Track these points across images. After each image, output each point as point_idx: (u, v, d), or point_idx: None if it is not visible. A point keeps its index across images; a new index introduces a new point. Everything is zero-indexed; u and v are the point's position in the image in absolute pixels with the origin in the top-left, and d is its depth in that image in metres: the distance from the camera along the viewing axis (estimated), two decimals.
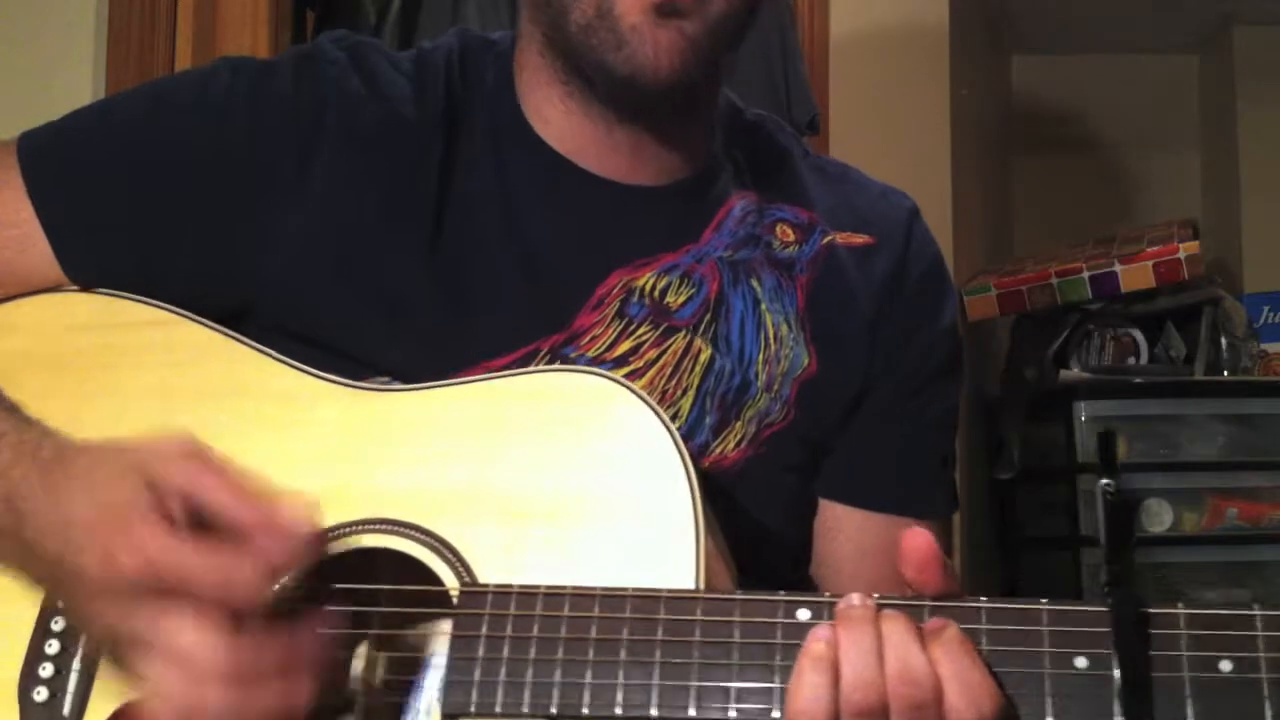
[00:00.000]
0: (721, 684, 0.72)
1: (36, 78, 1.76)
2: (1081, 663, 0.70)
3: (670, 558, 0.77)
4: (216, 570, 0.72)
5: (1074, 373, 2.91)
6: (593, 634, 0.74)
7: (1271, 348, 3.13)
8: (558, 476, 0.80)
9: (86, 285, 0.96)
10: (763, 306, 1.00)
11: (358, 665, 0.84)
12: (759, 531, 0.98)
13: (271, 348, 0.92)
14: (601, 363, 0.94)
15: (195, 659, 0.72)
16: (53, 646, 0.84)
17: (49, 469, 0.80)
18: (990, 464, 3.01)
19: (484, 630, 0.75)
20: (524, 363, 0.93)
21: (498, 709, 0.74)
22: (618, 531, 0.78)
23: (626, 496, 0.79)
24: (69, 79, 1.77)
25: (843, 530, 1.03)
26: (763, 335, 0.99)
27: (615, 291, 0.97)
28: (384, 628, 0.83)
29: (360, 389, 0.87)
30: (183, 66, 1.88)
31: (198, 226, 0.96)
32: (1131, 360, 2.95)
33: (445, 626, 0.79)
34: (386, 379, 0.90)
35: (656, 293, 0.98)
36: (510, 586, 0.76)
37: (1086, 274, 2.84)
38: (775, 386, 0.99)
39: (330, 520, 0.81)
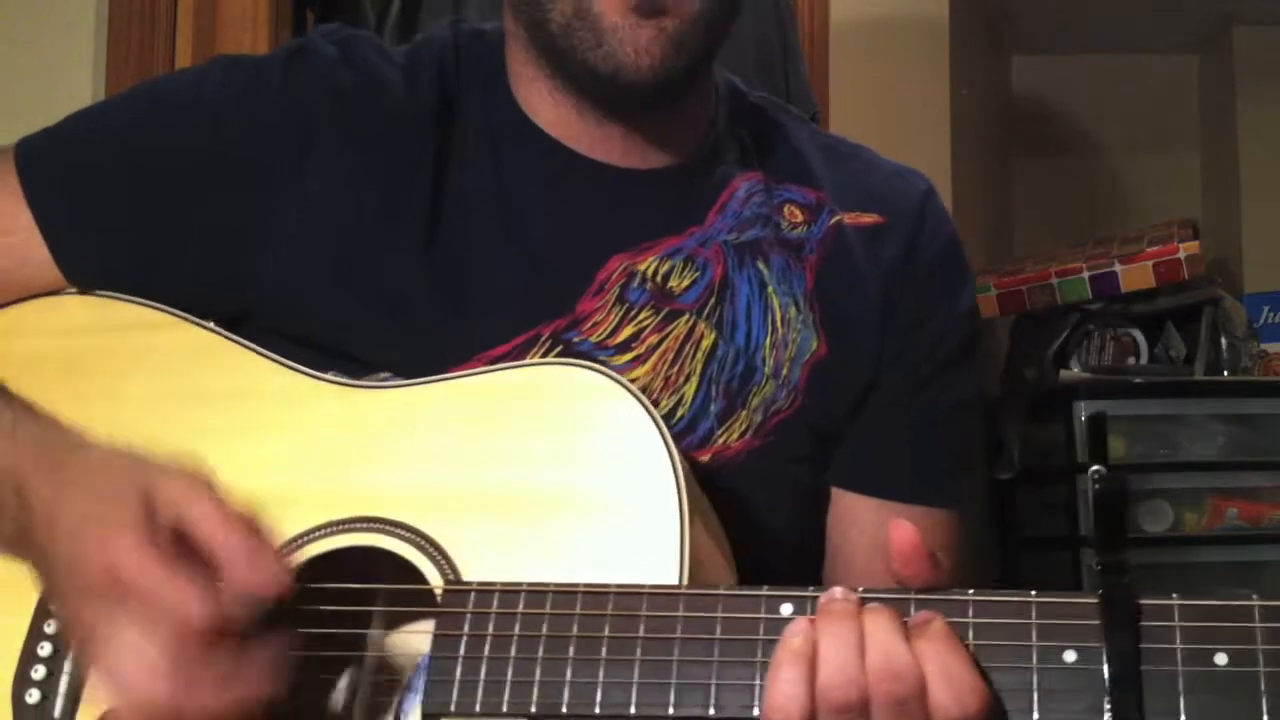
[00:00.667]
0: (701, 681, 0.71)
1: (36, 78, 1.76)
2: (1070, 656, 0.68)
3: (655, 555, 0.76)
4: (174, 594, 0.72)
5: (1074, 373, 2.91)
6: (574, 631, 0.73)
7: (1271, 348, 3.13)
8: (545, 473, 0.79)
9: (87, 288, 0.96)
10: (769, 289, 0.98)
11: (348, 667, 0.84)
12: (764, 525, 0.96)
13: (271, 349, 0.91)
14: (604, 349, 0.94)
15: (132, 667, 0.72)
16: (45, 649, 0.85)
17: (58, 461, 0.81)
18: (990, 464, 3.00)
19: (466, 629, 0.75)
20: (524, 349, 0.92)
21: (478, 708, 0.73)
22: (604, 528, 0.77)
23: (613, 493, 0.78)
24: (69, 79, 1.77)
25: (856, 522, 1.01)
26: (770, 319, 0.97)
27: (615, 276, 0.96)
28: (371, 628, 0.82)
29: (353, 387, 0.87)
30: (182, 66, 1.88)
31: (198, 228, 0.96)
32: (1131, 360, 2.95)
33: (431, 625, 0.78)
34: (386, 375, 0.90)
35: (659, 277, 0.96)
36: (493, 584, 0.76)
37: (1086, 274, 2.84)
38: (783, 372, 0.97)
39: (321, 519, 0.81)
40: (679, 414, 0.94)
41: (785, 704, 0.69)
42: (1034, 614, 0.69)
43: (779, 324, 0.97)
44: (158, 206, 0.97)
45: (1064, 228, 3.39)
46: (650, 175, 1.00)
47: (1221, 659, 0.65)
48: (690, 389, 0.95)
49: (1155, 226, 3.01)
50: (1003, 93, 3.79)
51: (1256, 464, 2.83)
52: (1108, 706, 0.66)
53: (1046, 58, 3.77)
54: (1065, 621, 0.68)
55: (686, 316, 0.96)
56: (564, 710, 0.72)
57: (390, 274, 0.95)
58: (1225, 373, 2.94)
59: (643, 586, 0.74)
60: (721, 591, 0.73)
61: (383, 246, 0.95)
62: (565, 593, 0.74)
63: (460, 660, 0.74)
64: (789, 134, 1.06)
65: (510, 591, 0.75)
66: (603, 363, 0.89)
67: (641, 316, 0.95)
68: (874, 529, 1.00)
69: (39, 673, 0.84)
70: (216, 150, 0.97)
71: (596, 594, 0.74)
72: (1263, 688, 0.64)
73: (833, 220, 1.01)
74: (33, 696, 0.83)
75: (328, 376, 0.88)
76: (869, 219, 1.02)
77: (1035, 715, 0.67)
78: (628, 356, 0.93)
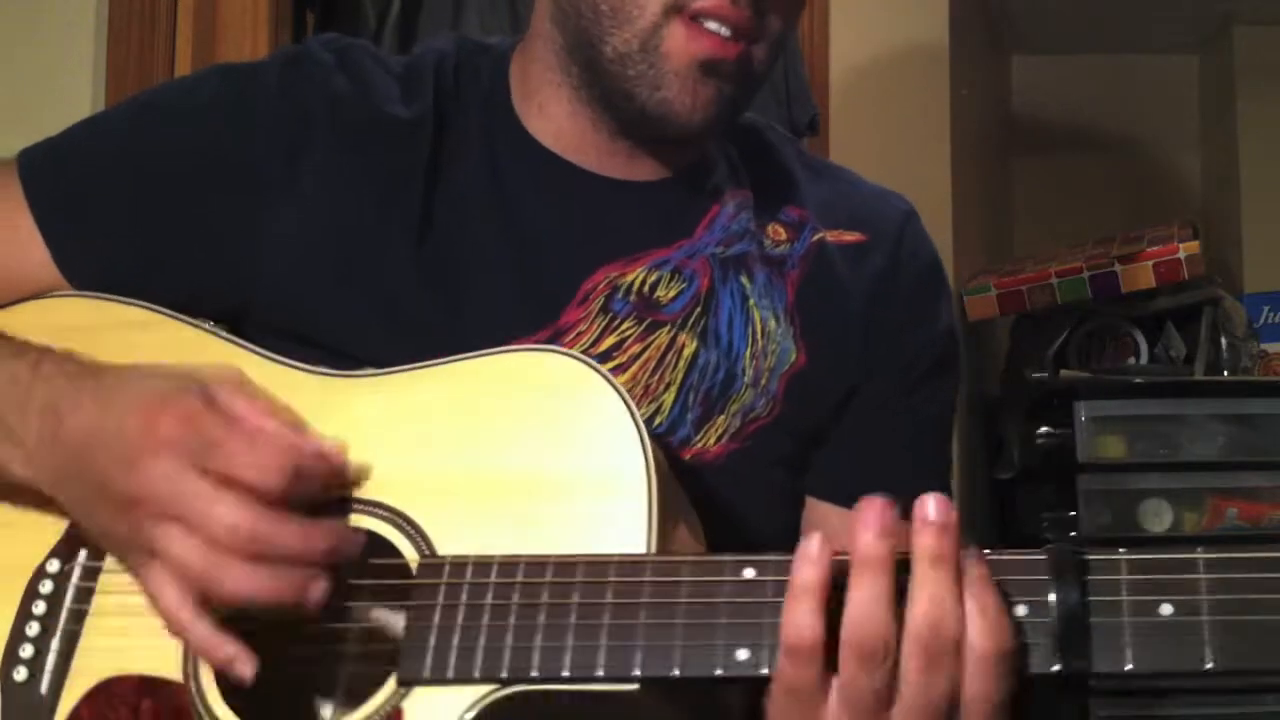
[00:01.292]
0: (665, 643, 0.73)
1: (36, 78, 1.76)
2: (1021, 610, 0.70)
3: (624, 527, 0.78)
4: (252, 447, 0.77)
5: (1074, 373, 2.91)
6: (544, 599, 0.75)
7: (1271, 348, 3.13)
8: (519, 456, 0.82)
9: (85, 289, 0.98)
10: (751, 302, 1.00)
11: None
12: (743, 526, 0.98)
13: (268, 347, 0.93)
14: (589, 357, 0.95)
15: (220, 527, 0.75)
16: (33, 629, 0.87)
17: (96, 374, 0.84)
18: (990, 464, 3.01)
19: (440, 599, 0.77)
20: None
21: (450, 675, 0.75)
22: (575, 505, 0.80)
23: (584, 471, 0.80)
24: (69, 79, 1.77)
25: (828, 530, 1.02)
26: (750, 330, 0.99)
27: (600, 288, 0.98)
28: (354, 602, 0.85)
29: (335, 376, 0.89)
30: (183, 67, 1.88)
31: (195, 230, 0.98)
32: (1131, 360, 2.95)
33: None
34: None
35: (646, 288, 0.98)
36: (466, 557, 0.78)
37: (1086, 274, 2.84)
38: (762, 382, 0.99)
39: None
40: (657, 420, 0.96)
41: (797, 634, 0.70)
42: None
43: (759, 335, 0.99)
44: (156, 210, 0.98)
45: (1064, 228, 3.39)
46: (643, 188, 1.01)
47: (1166, 609, 0.67)
48: (669, 397, 0.97)
49: (1155, 226, 3.01)
50: (1003, 93, 3.79)
51: (1256, 464, 2.83)
52: (1056, 658, 0.68)
53: (1046, 58, 3.77)
54: (1014, 577, 0.70)
55: (668, 327, 0.97)
56: (534, 675, 0.74)
57: (385, 275, 0.96)
58: (1225, 373, 2.94)
59: (611, 556, 0.76)
60: (687, 558, 0.75)
61: (378, 248, 0.97)
62: (536, 563, 0.76)
63: (434, 629, 0.76)
64: (777, 154, 1.08)
65: (483, 563, 0.77)
66: None
67: (624, 327, 0.97)
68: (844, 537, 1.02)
69: (26, 651, 0.86)
70: (213, 154, 0.98)
71: (566, 563, 0.76)
72: (1205, 637, 0.66)
73: (815, 237, 1.03)
74: (20, 674, 0.86)
75: (309, 368, 0.90)
76: (851, 237, 1.04)
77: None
78: (608, 366, 0.94)
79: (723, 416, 0.98)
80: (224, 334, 0.94)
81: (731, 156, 1.06)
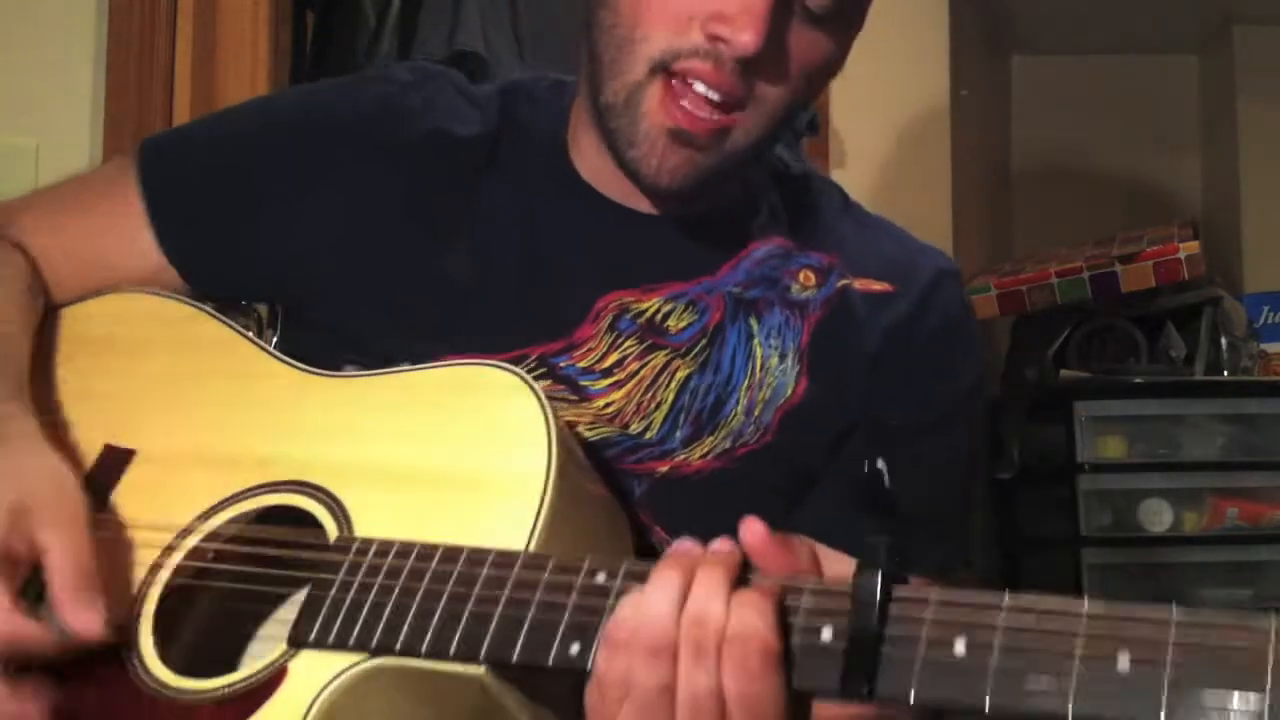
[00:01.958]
0: (512, 632, 0.79)
1: (36, 78, 1.76)
2: (826, 635, 0.73)
3: (513, 524, 0.85)
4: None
5: (1074, 373, 2.91)
6: (424, 583, 0.83)
7: (1271, 348, 3.13)
8: (441, 453, 0.91)
9: (182, 267, 1.09)
10: (755, 341, 1.02)
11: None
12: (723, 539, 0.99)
13: (314, 343, 1.02)
14: (590, 373, 1.01)
15: None
16: None
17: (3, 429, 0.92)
18: (990, 464, 3.01)
19: (340, 574, 0.86)
20: (513, 364, 0.99)
21: (330, 640, 0.83)
22: (478, 499, 0.88)
23: (493, 470, 0.89)
24: (69, 79, 1.77)
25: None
26: (751, 364, 1.02)
27: (610, 308, 1.01)
28: (271, 569, 0.93)
29: (312, 374, 1.00)
30: (182, 67, 1.88)
31: (266, 216, 1.07)
32: (1131, 360, 2.95)
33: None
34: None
35: (659, 316, 1.01)
36: (372, 539, 0.87)
37: (1086, 274, 2.84)
38: (756, 411, 1.01)
39: (260, 479, 0.94)
40: (647, 435, 1.00)
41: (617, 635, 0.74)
42: (804, 596, 0.75)
43: (758, 369, 1.02)
44: (242, 192, 1.08)
45: (1064, 228, 3.39)
46: (673, 223, 1.04)
47: (960, 648, 0.70)
48: (659, 415, 1.00)
49: (1155, 226, 3.01)
50: (1003, 93, 3.79)
51: (1256, 464, 2.83)
52: (838, 677, 0.71)
53: (1046, 58, 3.77)
54: (825, 605, 0.74)
55: (667, 351, 1.01)
56: (397, 648, 0.81)
57: (400, 280, 1.03)
58: (1225, 373, 2.94)
59: (489, 550, 0.83)
60: (553, 558, 0.82)
61: (398, 252, 1.04)
62: (427, 550, 0.85)
63: (329, 599, 0.85)
64: (822, 205, 1.11)
65: (384, 546, 0.86)
66: (587, 385, 1.00)
67: (626, 344, 1.01)
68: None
69: None
70: (293, 155, 1.07)
71: (451, 553, 0.84)
72: (990, 674, 0.68)
73: (840, 283, 1.05)
74: None
75: (299, 365, 1.00)
76: (879, 286, 1.05)
77: (794, 684, 0.73)
78: (609, 381, 1.00)
79: (711, 437, 1.00)
80: (245, 332, 1.05)
81: (774, 203, 1.08)
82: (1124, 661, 0.66)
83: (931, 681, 0.70)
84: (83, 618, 0.84)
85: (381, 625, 0.82)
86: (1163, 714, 0.64)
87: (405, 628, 0.82)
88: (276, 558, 0.91)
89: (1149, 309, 2.95)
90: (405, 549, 0.85)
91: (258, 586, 0.92)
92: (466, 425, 0.91)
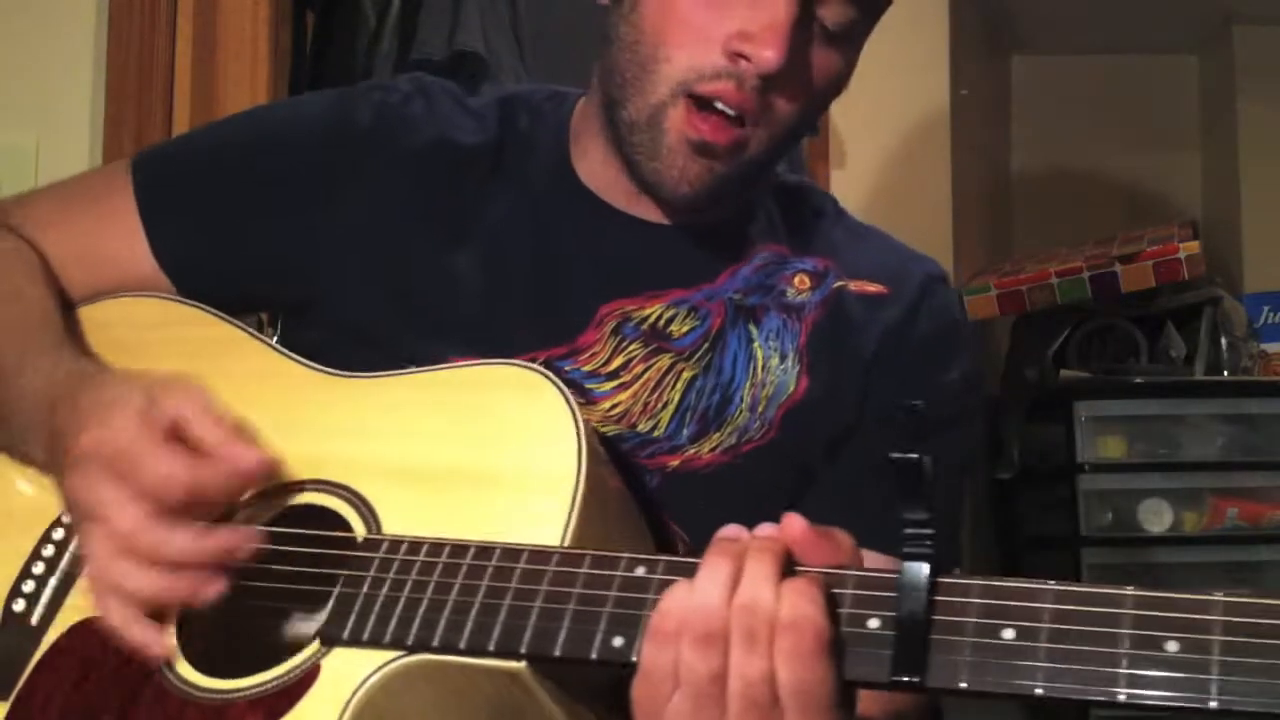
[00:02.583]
0: (553, 625, 0.80)
1: (36, 77, 1.77)
2: (874, 623, 0.73)
3: (545, 521, 0.85)
4: (154, 460, 0.85)
5: (1074, 373, 2.91)
6: (459, 579, 0.83)
7: (1271, 348, 3.13)
8: (468, 451, 0.91)
9: (174, 274, 1.09)
10: (755, 344, 1.05)
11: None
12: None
13: (324, 343, 1.03)
14: (595, 376, 1.03)
15: (120, 531, 0.85)
16: (39, 568, 0.97)
17: (88, 379, 0.94)
18: (990, 464, 3.01)
19: (371, 572, 0.86)
20: None
21: (364, 638, 0.83)
22: (509, 496, 0.88)
23: (519, 468, 0.89)
24: (69, 79, 1.77)
25: None
26: (752, 366, 1.05)
27: (614, 314, 1.04)
28: (300, 566, 0.93)
29: (334, 375, 1.00)
30: (182, 67, 1.88)
31: (266, 227, 1.08)
32: (1131, 360, 2.95)
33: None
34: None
35: (661, 322, 1.04)
36: (403, 537, 0.87)
37: (1086, 274, 2.84)
38: (759, 408, 1.03)
39: (284, 479, 0.94)
40: (655, 433, 1.02)
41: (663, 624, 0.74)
42: (850, 585, 0.76)
43: (760, 370, 1.05)
44: (239, 202, 1.09)
45: (1064, 228, 3.39)
46: (673, 231, 1.07)
47: (1009, 634, 0.71)
48: (666, 415, 1.02)
49: (1155, 226, 3.01)
50: (1003, 93, 3.79)
51: (1256, 464, 2.84)
52: (890, 668, 0.72)
53: (1046, 58, 3.77)
54: (874, 593, 0.74)
55: (671, 355, 1.03)
56: (435, 645, 0.81)
57: (412, 281, 1.05)
58: (1225, 373, 2.95)
59: (524, 545, 0.84)
60: (589, 552, 0.82)
61: (409, 255, 1.06)
62: (460, 547, 0.85)
63: (361, 597, 0.85)
64: (816, 213, 1.14)
65: (416, 544, 0.86)
66: (592, 389, 1.01)
67: (632, 348, 1.03)
68: None
69: (28, 586, 0.97)
70: (294, 161, 1.09)
71: (485, 549, 0.84)
72: (1040, 661, 0.70)
73: (836, 285, 1.08)
74: (19, 605, 0.96)
75: (317, 367, 1.01)
76: (874, 288, 1.08)
77: (845, 674, 0.74)
78: (614, 383, 1.02)
79: (718, 433, 1.03)
80: (258, 335, 1.05)
81: (772, 213, 1.11)
82: (1172, 646, 0.68)
83: (982, 670, 0.70)
84: (245, 453, 0.87)
85: (417, 622, 0.82)
86: (1213, 701, 0.66)
87: (442, 624, 0.82)
88: (296, 555, 0.91)
89: (1149, 309, 2.95)
90: (437, 546, 0.85)
91: (281, 585, 0.92)
92: (491, 423, 0.91)
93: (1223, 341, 2.96)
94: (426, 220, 1.06)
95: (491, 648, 0.80)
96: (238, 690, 0.86)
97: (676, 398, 1.02)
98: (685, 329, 1.04)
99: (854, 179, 2.62)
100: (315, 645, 0.85)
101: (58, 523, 0.98)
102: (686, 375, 1.03)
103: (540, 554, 0.83)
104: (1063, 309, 2.91)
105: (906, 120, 2.74)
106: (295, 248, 1.07)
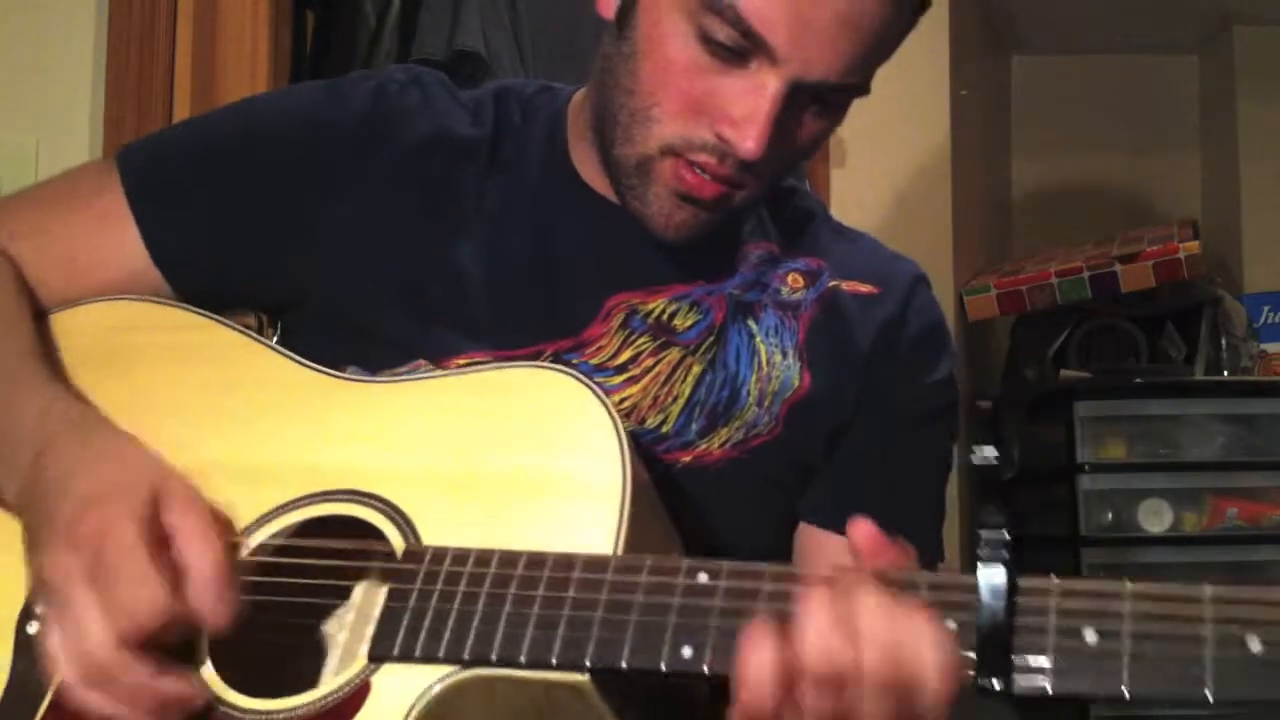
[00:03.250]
0: (616, 636, 0.77)
1: (36, 76, 1.77)
2: (950, 625, 0.73)
3: (595, 529, 0.83)
4: (133, 585, 0.81)
5: (1074, 373, 2.92)
6: (512, 590, 0.80)
7: (1271, 348, 3.13)
8: (505, 458, 0.88)
9: (169, 271, 1.06)
10: (757, 339, 1.06)
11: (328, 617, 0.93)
12: (736, 534, 1.02)
13: (324, 341, 1.01)
14: (603, 369, 1.02)
15: (79, 645, 0.81)
16: None
17: (86, 437, 0.91)
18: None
19: (417, 584, 0.82)
20: (529, 360, 1.01)
21: (417, 654, 0.80)
22: (553, 505, 0.85)
23: (563, 474, 0.86)
24: (69, 78, 1.77)
25: (823, 554, 1.07)
26: (756, 360, 1.05)
27: (620, 308, 1.04)
28: (338, 580, 0.90)
29: (352, 381, 0.97)
30: (182, 67, 1.88)
31: (264, 218, 1.06)
32: (1131, 360, 2.95)
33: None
34: (414, 369, 1.00)
35: (665, 316, 1.05)
36: (447, 548, 0.84)
37: (1086, 274, 2.84)
38: (766, 403, 1.04)
39: (309, 489, 0.90)
40: (663, 429, 1.02)
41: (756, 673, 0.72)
42: (924, 587, 0.75)
43: (764, 364, 1.05)
44: (234, 196, 1.07)
45: (1064, 228, 3.39)
46: None
47: (1091, 636, 0.70)
48: (676, 408, 1.03)
49: (1155, 226, 3.01)
50: (1003, 93, 3.79)
51: (1256, 464, 2.84)
52: (975, 675, 0.71)
53: (1046, 58, 3.77)
54: (950, 596, 0.74)
55: (679, 349, 1.04)
56: (493, 659, 0.79)
57: (416, 275, 1.04)
58: (1225, 373, 2.95)
59: (578, 554, 0.81)
60: (647, 560, 0.80)
61: (413, 249, 1.05)
62: (509, 557, 0.82)
63: (409, 611, 0.81)
64: (806, 215, 1.15)
65: (461, 554, 0.83)
66: (600, 382, 0.97)
67: (640, 342, 1.03)
68: (837, 560, 1.06)
69: (42, 607, 0.91)
70: (288, 153, 1.07)
71: (536, 559, 0.81)
72: (1125, 663, 0.69)
73: (830, 284, 1.10)
74: (33, 627, 0.90)
75: (330, 371, 0.98)
76: (865, 288, 1.10)
77: None
78: (623, 377, 1.02)
79: (726, 429, 1.03)
80: (263, 340, 1.01)
81: (762, 214, 1.12)
82: (1255, 644, 0.68)
83: (1067, 673, 0.70)
84: (219, 608, 0.82)
85: (472, 636, 0.79)
86: None
87: (499, 637, 0.79)
88: (322, 569, 0.88)
89: (1149, 309, 2.95)
90: (484, 556, 0.82)
91: (310, 600, 0.89)
92: (524, 429, 0.88)
93: (1223, 341, 2.96)
94: (426, 213, 1.05)
95: (554, 660, 0.78)
96: (284, 711, 0.83)
97: (687, 392, 1.03)
98: (689, 323, 1.04)
99: (854, 179, 2.62)
100: (363, 662, 0.82)
101: None
102: (696, 370, 1.03)
103: (596, 562, 0.80)
104: (1063, 309, 2.92)
105: (907, 120, 2.74)
106: (292, 242, 1.06)
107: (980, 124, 3.33)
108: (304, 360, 0.99)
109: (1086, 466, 2.81)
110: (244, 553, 0.88)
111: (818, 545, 1.07)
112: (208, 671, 0.85)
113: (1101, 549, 2.82)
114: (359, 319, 1.04)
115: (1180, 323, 2.97)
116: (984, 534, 0.73)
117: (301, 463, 0.91)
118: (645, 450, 1.00)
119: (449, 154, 1.07)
